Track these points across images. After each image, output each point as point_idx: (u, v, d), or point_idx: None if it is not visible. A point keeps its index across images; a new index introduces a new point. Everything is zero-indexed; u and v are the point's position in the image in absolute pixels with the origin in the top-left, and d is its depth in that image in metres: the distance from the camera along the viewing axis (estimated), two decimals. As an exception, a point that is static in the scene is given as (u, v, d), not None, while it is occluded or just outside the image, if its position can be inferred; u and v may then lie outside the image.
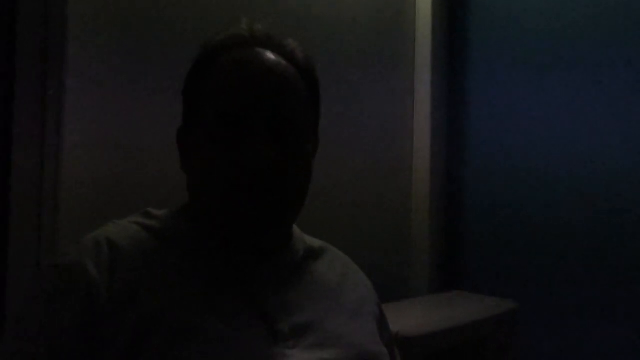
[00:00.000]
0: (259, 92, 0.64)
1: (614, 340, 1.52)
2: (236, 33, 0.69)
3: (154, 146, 1.17)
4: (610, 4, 1.57)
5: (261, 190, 0.63)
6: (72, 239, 0.97)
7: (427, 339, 1.26)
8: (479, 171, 1.86)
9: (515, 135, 1.76)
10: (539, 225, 1.69)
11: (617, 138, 1.54)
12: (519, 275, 1.72)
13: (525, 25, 1.75)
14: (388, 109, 1.79)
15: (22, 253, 1.00)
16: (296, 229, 0.76)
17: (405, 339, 1.20)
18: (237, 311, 0.61)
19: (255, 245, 0.68)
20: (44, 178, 1.02)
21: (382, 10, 1.77)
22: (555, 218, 1.66)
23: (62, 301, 0.57)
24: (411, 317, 1.41)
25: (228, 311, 0.61)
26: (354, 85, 1.67)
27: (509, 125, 1.78)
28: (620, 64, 1.54)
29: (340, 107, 1.61)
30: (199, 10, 1.27)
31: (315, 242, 0.78)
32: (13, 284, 0.98)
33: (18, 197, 0.99)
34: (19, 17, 1.00)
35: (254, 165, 0.61)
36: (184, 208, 0.71)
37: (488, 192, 1.83)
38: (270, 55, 0.67)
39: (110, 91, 1.13)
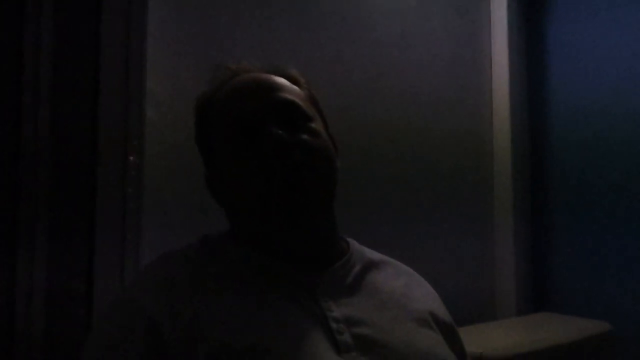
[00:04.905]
0: (263, 92, 0.69)
1: None
2: (223, 74, 0.75)
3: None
4: None
5: (294, 170, 0.65)
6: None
7: (512, 362, 1.25)
8: (566, 178, 1.77)
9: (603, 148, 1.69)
10: (637, 235, 1.58)
11: None
12: (614, 294, 1.62)
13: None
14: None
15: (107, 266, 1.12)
16: (354, 243, 0.77)
17: (489, 361, 1.20)
18: (300, 326, 0.62)
19: (309, 254, 0.69)
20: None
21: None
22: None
23: (124, 339, 0.59)
24: (496, 339, 1.40)
25: (291, 327, 0.62)
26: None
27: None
28: None
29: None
30: None
31: (376, 255, 0.78)
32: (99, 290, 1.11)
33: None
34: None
35: (280, 151, 0.64)
36: (230, 233, 0.73)
37: (577, 202, 1.73)
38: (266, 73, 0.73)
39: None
